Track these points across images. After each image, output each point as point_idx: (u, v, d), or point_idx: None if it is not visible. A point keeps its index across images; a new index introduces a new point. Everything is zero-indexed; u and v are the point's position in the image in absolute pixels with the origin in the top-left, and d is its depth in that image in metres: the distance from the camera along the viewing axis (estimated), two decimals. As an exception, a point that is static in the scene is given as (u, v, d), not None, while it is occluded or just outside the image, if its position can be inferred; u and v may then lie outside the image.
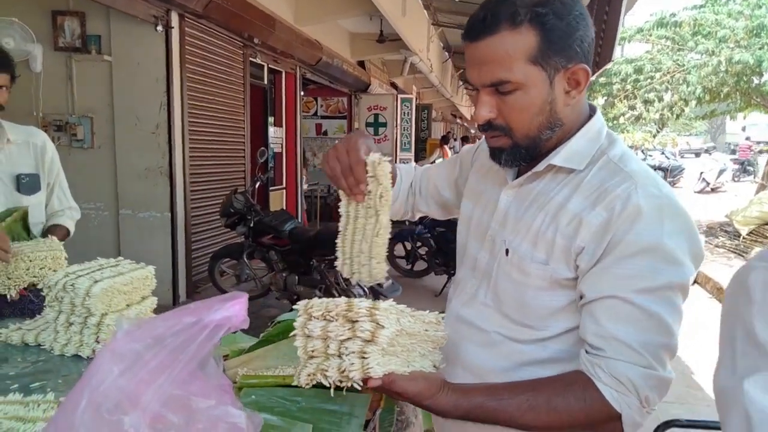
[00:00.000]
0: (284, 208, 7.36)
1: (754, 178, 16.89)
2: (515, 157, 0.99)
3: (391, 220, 1.08)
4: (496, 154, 1.01)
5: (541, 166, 0.99)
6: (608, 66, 5.15)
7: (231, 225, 4.70)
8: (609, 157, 0.96)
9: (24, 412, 0.95)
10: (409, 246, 6.18)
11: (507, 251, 1.01)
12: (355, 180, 1.01)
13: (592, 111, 1.03)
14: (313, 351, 0.83)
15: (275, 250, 4.63)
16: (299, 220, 5.36)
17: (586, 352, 0.91)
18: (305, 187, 8.30)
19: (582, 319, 0.93)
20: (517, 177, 1.06)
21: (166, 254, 4.82)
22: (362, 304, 0.81)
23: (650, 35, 9.32)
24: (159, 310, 1.65)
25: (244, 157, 5.91)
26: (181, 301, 4.93)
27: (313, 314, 0.83)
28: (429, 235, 5.96)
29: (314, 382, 0.84)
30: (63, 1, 4.63)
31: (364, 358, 0.80)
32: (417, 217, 1.38)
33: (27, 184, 1.96)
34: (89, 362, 1.36)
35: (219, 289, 5.03)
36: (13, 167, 1.95)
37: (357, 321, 0.80)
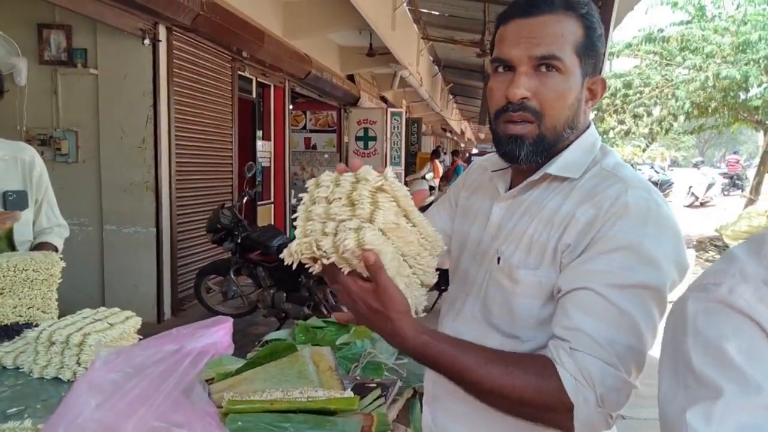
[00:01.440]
0: (272, 223, 7.29)
1: (742, 192, 17.06)
2: (537, 150, 0.95)
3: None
4: (516, 144, 0.96)
5: (537, 175, 0.98)
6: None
7: (218, 241, 4.62)
8: (602, 166, 0.96)
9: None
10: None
11: (498, 260, 0.98)
12: None
13: (587, 124, 1.03)
14: (310, 231, 0.83)
15: (263, 266, 4.56)
16: (287, 236, 5.29)
17: (553, 339, 0.87)
18: (294, 201, 8.24)
19: (555, 313, 0.89)
20: (509, 189, 1.05)
21: (151, 270, 4.74)
22: (366, 185, 0.82)
23: (638, 50, 9.44)
24: (143, 327, 1.60)
25: (231, 171, 5.85)
26: (167, 318, 4.84)
27: (319, 194, 0.84)
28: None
29: (305, 254, 0.82)
30: (49, 14, 4.58)
31: (360, 230, 0.80)
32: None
33: (14, 201, 1.90)
34: (70, 386, 1.32)
35: (205, 306, 4.94)
36: (0, 184, 1.89)
37: (358, 201, 0.82)
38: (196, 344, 0.50)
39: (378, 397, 1.24)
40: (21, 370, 1.41)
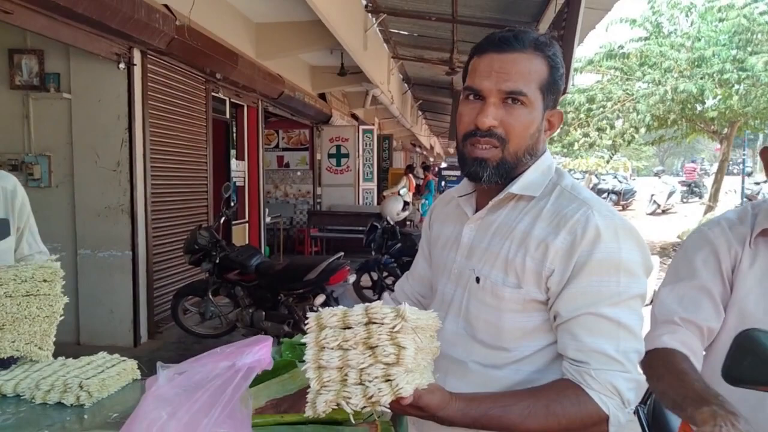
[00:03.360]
0: (247, 242, 7.28)
1: (701, 199, 17.65)
2: (498, 172, 1.06)
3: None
4: (480, 166, 1.06)
5: (501, 195, 1.09)
6: (563, 96, 5.39)
7: (195, 262, 4.62)
8: (562, 187, 1.08)
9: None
10: (375, 276, 6.19)
11: (478, 279, 1.08)
12: None
13: (544, 150, 1.15)
14: (328, 381, 0.84)
15: (241, 285, 4.58)
16: (263, 254, 5.31)
17: (573, 364, 0.99)
18: (268, 219, 8.24)
19: (560, 337, 1.01)
20: (477, 211, 1.15)
21: (127, 294, 4.70)
22: (383, 329, 0.82)
23: (600, 66, 9.79)
24: (119, 351, 1.64)
25: (206, 192, 5.85)
26: (143, 341, 4.79)
27: (327, 345, 0.84)
28: (395, 264, 6.00)
29: (331, 409, 0.83)
30: (20, 39, 4.56)
31: (389, 380, 0.81)
32: None
33: None
34: (73, 411, 1.35)
35: (182, 328, 4.92)
36: None
37: (377, 346, 0.82)
38: (245, 360, 0.57)
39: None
40: (22, 398, 1.43)
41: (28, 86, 4.61)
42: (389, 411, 0.84)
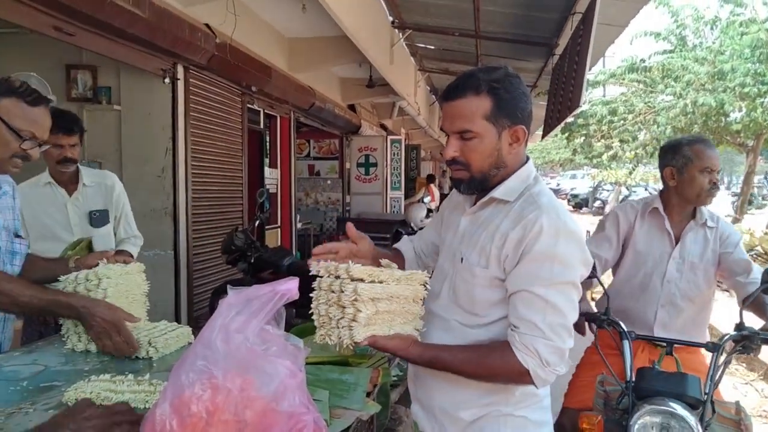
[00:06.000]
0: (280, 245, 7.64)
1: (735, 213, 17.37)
2: (470, 186, 1.39)
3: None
4: (457, 183, 1.41)
5: (486, 198, 1.40)
6: (580, 109, 5.61)
7: (232, 261, 4.95)
8: (530, 193, 1.37)
9: (114, 387, 1.24)
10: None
11: (462, 259, 1.39)
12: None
13: (527, 159, 1.44)
14: (322, 322, 1.23)
15: (274, 284, 4.89)
16: (295, 256, 5.63)
17: (510, 329, 1.29)
18: (299, 225, 8.61)
19: (509, 306, 1.31)
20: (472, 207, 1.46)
21: (169, 290, 5.07)
22: (348, 291, 1.17)
23: (623, 79, 9.92)
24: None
25: (242, 197, 6.23)
26: (183, 335, 5.16)
27: (319, 302, 1.23)
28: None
29: (323, 341, 1.24)
30: (76, 56, 5.01)
31: (351, 329, 1.18)
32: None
33: (97, 218, 2.42)
34: (144, 361, 1.68)
35: (219, 323, 5.26)
36: (87, 205, 2.41)
37: (345, 307, 1.18)
38: (280, 288, 0.87)
39: (382, 358, 1.62)
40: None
41: (83, 99, 5.05)
42: (358, 346, 1.22)
